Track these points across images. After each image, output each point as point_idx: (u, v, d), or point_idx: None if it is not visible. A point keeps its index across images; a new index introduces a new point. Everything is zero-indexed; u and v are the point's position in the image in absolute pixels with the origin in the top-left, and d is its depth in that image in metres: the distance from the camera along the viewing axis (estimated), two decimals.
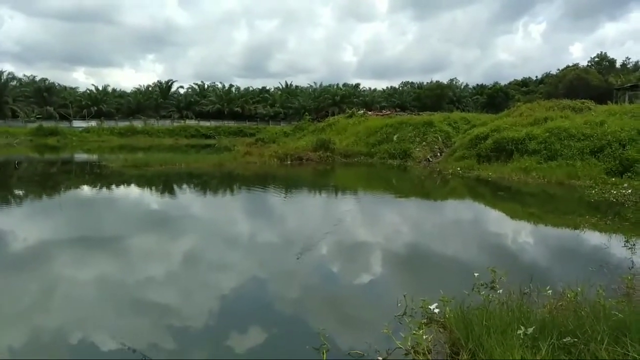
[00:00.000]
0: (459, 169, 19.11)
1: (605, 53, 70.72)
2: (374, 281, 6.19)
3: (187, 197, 14.39)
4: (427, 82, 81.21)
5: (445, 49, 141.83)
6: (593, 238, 8.44)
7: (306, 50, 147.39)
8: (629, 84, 39.44)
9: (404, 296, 4.75)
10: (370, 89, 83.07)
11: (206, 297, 5.63)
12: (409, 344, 3.82)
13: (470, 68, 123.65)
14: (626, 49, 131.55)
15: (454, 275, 6.31)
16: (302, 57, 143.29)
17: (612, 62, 68.75)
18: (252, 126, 64.02)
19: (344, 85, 79.41)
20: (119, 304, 5.36)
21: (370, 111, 40.93)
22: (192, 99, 73.49)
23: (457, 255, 7.68)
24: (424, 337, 3.80)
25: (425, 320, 4.38)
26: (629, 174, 13.86)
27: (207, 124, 64.66)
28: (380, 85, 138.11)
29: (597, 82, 53.84)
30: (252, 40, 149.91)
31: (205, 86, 77.68)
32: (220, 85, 77.22)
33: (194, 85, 78.11)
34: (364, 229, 9.90)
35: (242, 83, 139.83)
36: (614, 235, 8.31)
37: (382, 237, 8.97)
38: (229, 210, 12.40)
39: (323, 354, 3.81)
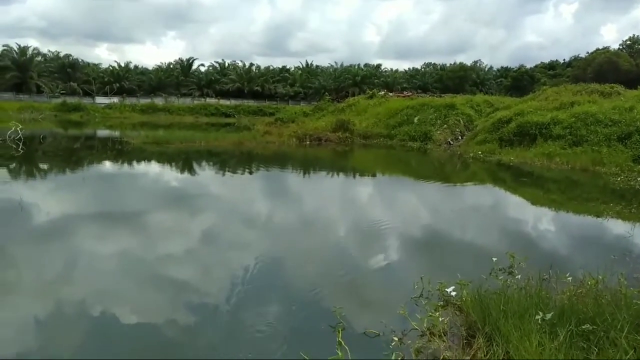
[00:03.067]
0: (480, 152, 18.81)
1: (638, 36, 67.87)
2: (391, 263, 6.18)
3: (207, 175, 14.55)
4: (451, 64, 79.68)
5: (470, 29, 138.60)
6: (616, 226, 8.26)
7: (327, 29, 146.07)
8: None
9: (421, 278, 4.74)
10: (391, 69, 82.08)
11: (224, 273, 5.72)
12: (425, 325, 3.82)
13: (495, 50, 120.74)
14: None
15: (472, 259, 6.27)
16: (323, 36, 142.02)
17: None
18: (272, 105, 64.04)
19: (365, 65, 78.54)
20: (137, 277, 5.50)
21: (391, 92, 40.38)
22: (213, 77, 73.64)
23: (476, 239, 7.61)
24: (440, 319, 3.81)
25: (441, 303, 4.37)
26: None
27: (227, 102, 64.92)
28: (402, 66, 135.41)
29: (628, 66, 52.08)
30: (273, 18, 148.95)
31: (226, 64, 77.76)
32: (240, 64, 77.19)
33: (215, 64, 78.39)
34: (382, 211, 9.88)
35: (262, 62, 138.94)
36: (639, 224, 8.12)
37: (400, 220, 8.94)
38: (247, 189, 12.50)
39: (339, 332, 3.84)
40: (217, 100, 65.73)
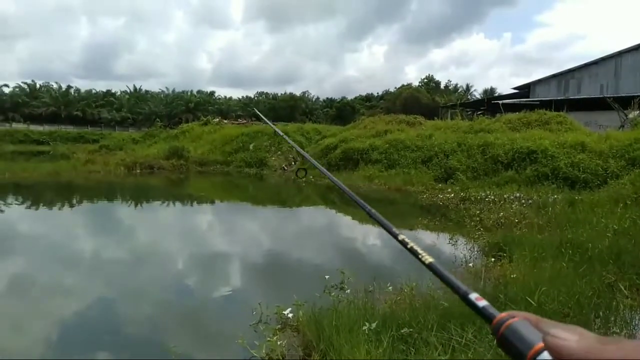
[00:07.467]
0: (311, 177, 19.96)
1: (432, 75, 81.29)
2: (230, 292, 6.10)
3: (14, 211, 12.38)
4: (282, 94, 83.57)
5: (298, 61, 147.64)
6: (425, 237, 9.54)
7: (157, 53, 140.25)
8: (450, 103, 46.06)
9: (259, 304, 4.77)
10: (225, 97, 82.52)
11: (42, 324, 4.94)
12: (264, 351, 3.84)
13: (321, 82, 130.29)
14: (450, 72, 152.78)
15: (307, 279, 6.55)
16: (153, 59, 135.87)
17: (438, 83, 79.24)
18: (96, 132, 58.15)
19: (199, 92, 77.55)
20: None
21: (225, 119, 40.48)
22: (20, 100, 63.88)
23: (312, 259, 8.00)
24: (278, 342, 3.87)
25: (279, 326, 4.46)
26: (452, 180, 16.06)
27: (39, 128, 56.79)
28: (236, 94, 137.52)
29: (427, 100, 61.32)
30: (94, 36, 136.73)
31: (37, 86, 68.42)
32: (55, 86, 68.88)
33: (23, 84, 68.20)
34: (221, 239, 9.72)
35: (82, 84, 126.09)
36: (442, 233, 9.53)
37: (239, 246, 8.91)
38: (68, 225, 11.04)
39: None
40: (26, 126, 57.03)
